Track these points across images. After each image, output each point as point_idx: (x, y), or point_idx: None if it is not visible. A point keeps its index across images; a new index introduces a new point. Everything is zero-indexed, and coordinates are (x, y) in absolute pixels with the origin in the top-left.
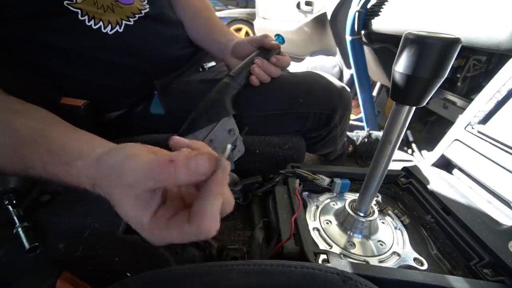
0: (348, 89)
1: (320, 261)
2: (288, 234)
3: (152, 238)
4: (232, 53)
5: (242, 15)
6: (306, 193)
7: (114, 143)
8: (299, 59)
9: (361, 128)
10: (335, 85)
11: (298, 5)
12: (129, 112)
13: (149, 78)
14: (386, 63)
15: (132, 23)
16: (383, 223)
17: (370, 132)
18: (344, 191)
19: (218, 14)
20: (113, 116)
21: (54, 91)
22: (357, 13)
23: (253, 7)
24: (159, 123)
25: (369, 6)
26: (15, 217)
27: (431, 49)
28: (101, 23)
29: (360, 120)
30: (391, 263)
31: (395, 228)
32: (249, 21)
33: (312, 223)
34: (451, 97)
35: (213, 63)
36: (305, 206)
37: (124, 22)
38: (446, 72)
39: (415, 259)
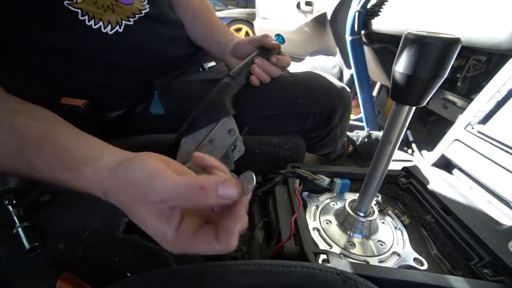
0: (348, 89)
1: (320, 261)
2: (288, 234)
3: (176, 250)
4: (232, 53)
5: (242, 15)
6: (306, 193)
7: (114, 143)
8: (299, 59)
9: (361, 128)
10: (335, 85)
11: (298, 5)
12: (129, 112)
13: (149, 78)
14: (386, 63)
15: (132, 23)
16: (383, 223)
17: (370, 132)
18: (344, 191)
19: (218, 14)
20: (113, 116)
21: (54, 91)
22: (357, 13)
23: (253, 7)
24: (159, 123)
25: (369, 6)
26: (15, 217)
27: (431, 49)
28: (101, 23)
29: (360, 120)
30: (391, 263)
31: (395, 228)
32: (249, 21)
33: (312, 223)
34: (451, 97)
35: (213, 63)
36: (305, 206)
37: (124, 22)
38: (446, 72)
39: (415, 259)
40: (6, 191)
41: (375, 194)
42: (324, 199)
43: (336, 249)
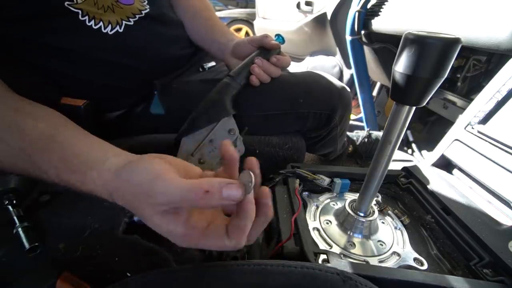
0: (348, 89)
1: (320, 261)
2: (288, 234)
3: (186, 244)
4: (232, 53)
5: (242, 15)
6: (306, 193)
7: (114, 143)
8: (299, 59)
9: (361, 128)
10: (335, 85)
11: (298, 5)
12: (129, 112)
13: (149, 78)
14: (386, 63)
15: (132, 23)
16: (383, 223)
17: (370, 132)
18: (344, 191)
19: (218, 14)
20: (113, 116)
21: (54, 91)
22: (357, 13)
23: (253, 7)
24: (159, 123)
25: (369, 6)
26: (15, 217)
27: (431, 49)
28: (101, 23)
29: (360, 120)
30: (391, 263)
31: (395, 228)
32: (249, 21)
33: (312, 223)
34: (451, 97)
35: (213, 63)
36: (305, 206)
37: (124, 22)
38: (446, 72)
39: (415, 259)
40: (6, 191)
41: (375, 194)
42: (324, 199)
43: (336, 249)
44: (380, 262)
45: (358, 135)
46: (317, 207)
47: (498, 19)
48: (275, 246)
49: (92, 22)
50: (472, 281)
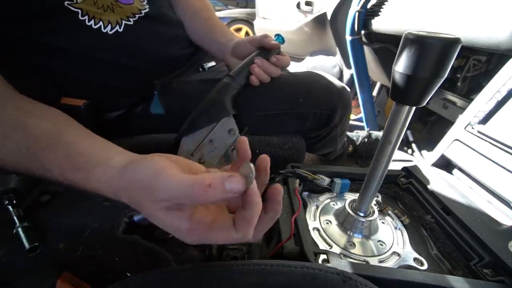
0: (348, 89)
1: (320, 261)
2: (288, 234)
3: (191, 240)
4: (232, 53)
5: (242, 15)
6: (306, 193)
7: (114, 143)
8: (299, 59)
9: (361, 128)
10: (335, 85)
11: (298, 5)
12: (129, 112)
13: (149, 78)
14: (386, 63)
15: (132, 23)
16: (383, 223)
17: (370, 132)
18: (344, 191)
19: (218, 14)
20: (113, 116)
21: (54, 91)
22: (357, 13)
23: (253, 7)
24: (159, 123)
25: (369, 6)
26: (15, 217)
27: (431, 49)
28: (101, 23)
29: (360, 120)
30: (391, 263)
31: (395, 228)
32: (249, 21)
33: (312, 223)
34: (451, 97)
35: (213, 63)
36: (305, 206)
37: (124, 22)
38: (446, 72)
39: (415, 259)
40: (6, 191)
41: (375, 194)
42: (324, 199)
43: (336, 249)
44: (380, 262)
45: (358, 135)
46: (317, 207)
47: (498, 19)
48: (275, 246)
49: (92, 22)
50: (472, 281)
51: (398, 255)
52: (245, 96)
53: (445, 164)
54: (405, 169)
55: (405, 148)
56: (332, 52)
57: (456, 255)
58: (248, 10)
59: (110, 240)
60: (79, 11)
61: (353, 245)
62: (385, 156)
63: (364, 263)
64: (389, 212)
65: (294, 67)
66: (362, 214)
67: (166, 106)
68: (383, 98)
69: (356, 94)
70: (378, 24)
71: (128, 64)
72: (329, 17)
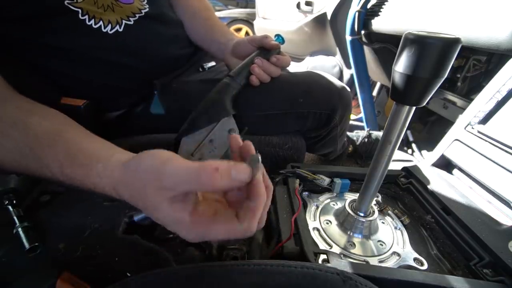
0: (348, 89)
1: (320, 261)
2: (288, 234)
3: (193, 235)
4: (232, 53)
5: (242, 15)
6: (306, 193)
7: (114, 143)
8: (299, 59)
9: (361, 128)
10: (335, 85)
11: (298, 5)
12: (129, 112)
13: (149, 78)
14: (386, 63)
15: (132, 22)
16: (383, 223)
17: (370, 132)
18: (344, 191)
19: (218, 14)
20: (113, 116)
21: (54, 91)
22: (357, 13)
23: (253, 7)
24: (159, 123)
25: (369, 6)
26: (15, 217)
27: (431, 49)
28: (101, 22)
29: (360, 120)
30: (391, 263)
31: (395, 228)
32: (249, 21)
33: (312, 223)
34: (451, 97)
35: (213, 63)
36: (305, 206)
37: (124, 21)
38: (446, 72)
39: (415, 259)
40: (6, 191)
41: (375, 194)
42: (324, 199)
43: (336, 249)
44: (380, 262)
45: (358, 135)
46: (317, 207)
47: (498, 19)
48: (275, 246)
49: (92, 21)
50: (472, 281)
51: (398, 255)
52: (245, 96)
53: (445, 164)
54: (405, 169)
55: (405, 148)
56: (332, 52)
57: (456, 255)
58: (248, 10)
59: (110, 240)
60: (79, 10)
61: (353, 245)
62: (385, 156)
63: (364, 263)
64: (389, 212)
65: (294, 67)
66: (362, 214)
67: (166, 106)
68: (383, 98)
69: (356, 94)
70: (378, 24)
71: (128, 64)
72: (329, 17)
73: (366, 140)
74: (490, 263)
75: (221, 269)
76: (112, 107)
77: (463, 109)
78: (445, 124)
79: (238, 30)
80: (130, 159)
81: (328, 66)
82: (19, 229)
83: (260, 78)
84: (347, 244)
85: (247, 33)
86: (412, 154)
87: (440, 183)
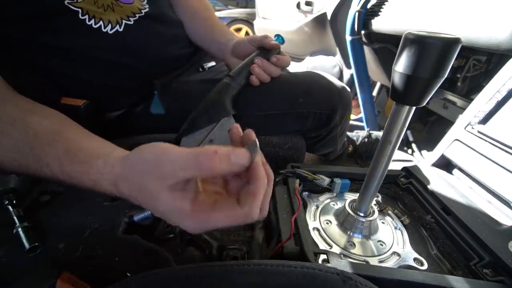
0: (348, 89)
1: (320, 261)
2: (288, 234)
3: (195, 225)
4: (232, 53)
5: (242, 15)
6: (306, 193)
7: (114, 143)
8: (299, 59)
9: (361, 128)
10: (335, 85)
11: (298, 5)
12: (129, 112)
13: (149, 78)
14: (386, 63)
15: (132, 22)
16: (383, 223)
17: (370, 132)
18: (344, 191)
19: (218, 14)
20: (113, 116)
21: (54, 91)
22: (357, 13)
23: (253, 7)
24: (159, 123)
25: (369, 6)
26: (15, 217)
27: (431, 49)
28: (101, 22)
29: (360, 120)
30: (391, 263)
31: (395, 228)
32: (249, 21)
33: (312, 223)
34: (451, 97)
35: (213, 63)
36: (305, 206)
37: (124, 21)
38: (446, 72)
39: (415, 259)
40: (6, 191)
41: (375, 194)
42: (324, 199)
43: (336, 249)
44: (380, 262)
45: (358, 135)
46: (317, 207)
47: (498, 19)
48: (275, 246)
49: (92, 21)
50: (472, 281)
51: (398, 255)
52: (245, 96)
53: (445, 164)
54: (405, 169)
55: (405, 148)
56: (332, 52)
57: (456, 255)
58: (248, 10)
59: (110, 240)
60: (79, 10)
61: (353, 245)
62: (385, 156)
63: (364, 263)
64: (389, 212)
65: (294, 67)
66: (362, 214)
67: (166, 106)
68: (383, 98)
69: (356, 94)
70: (378, 24)
71: (128, 64)
72: (329, 17)
73: (366, 140)
74: (490, 263)
75: (221, 269)
76: (112, 107)
77: (463, 109)
78: (445, 124)
79: (238, 30)
80: (129, 153)
81: (328, 66)
82: (19, 229)
83: (260, 78)
84: (347, 244)
85: (247, 33)
86: (412, 154)
87: (440, 183)
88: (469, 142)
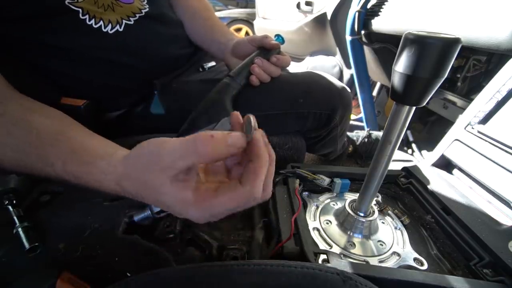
0: (348, 89)
1: (320, 261)
2: (288, 234)
3: (199, 213)
4: (232, 53)
5: (242, 15)
6: (306, 193)
7: (115, 142)
8: (299, 59)
9: (361, 128)
10: (335, 85)
11: (298, 5)
12: (129, 112)
13: (149, 78)
14: (386, 63)
15: (132, 22)
16: (383, 223)
17: (370, 132)
18: (344, 191)
19: (218, 14)
20: (113, 116)
21: (54, 91)
22: (357, 13)
23: (253, 7)
24: (159, 123)
25: (369, 6)
26: (15, 217)
27: (431, 49)
28: (101, 22)
29: (360, 120)
30: (391, 263)
31: (395, 228)
32: (249, 21)
33: (312, 223)
34: (451, 97)
35: (213, 63)
36: (305, 206)
37: (124, 21)
38: (446, 72)
39: (415, 259)
40: (6, 191)
41: (375, 194)
42: (324, 199)
43: (336, 249)
44: (380, 262)
45: (358, 135)
46: (317, 207)
47: (498, 19)
48: (275, 246)
49: (93, 21)
50: (472, 281)
51: (398, 255)
52: (245, 96)
53: (445, 164)
54: (405, 169)
55: (405, 148)
56: (332, 52)
57: (456, 255)
58: (248, 10)
59: (110, 240)
60: (80, 10)
61: (353, 245)
62: (385, 156)
63: (364, 263)
64: (389, 212)
65: (294, 67)
66: (362, 214)
67: (166, 106)
68: (383, 98)
69: (356, 94)
70: (378, 24)
71: (128, 64)
72: (329, 17)
73: (366, 140)
74: (490, 263)
75: (221, 269)
76: (112, 107)
77: (463, 109)
78: (445, 124)
79: (238, 30)
80: (132, 150)
81: (328, 66)
82: (19, 229)
83: (260, 78)
84: (347, 244)
85: (247, 33)
86: (412, 154)
87: (440, 183)
88: (469, 142)
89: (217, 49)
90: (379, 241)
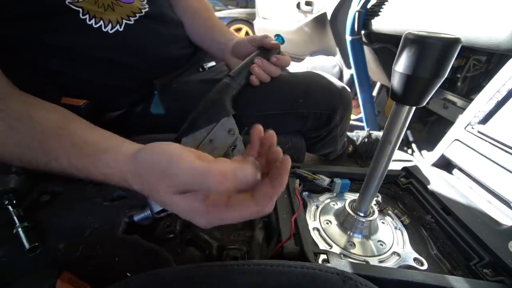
0: (349, 89)
1: (320, 261)
2: (288, 234)
3: (207, 222)
4: (232, 52)
5: (242, 15)
6: (306, 193)
7: None
8: (299, 59)
9: (361, 128)
10: (335, 85)
11: (298, 5)
12: (129, 111)
13: (149, 78)
14: (386, 63)
15: (132, 22)
16: (383, 223)
17: (370, 132)
18: (344, 191)
19: (218, 14)
20: (113, 115)
21: (55, 90)
22: (357, 13)
23: (253, 7)
24: (159, 123)
25: (369, 6)
26: (15, 217)
27: (431, 49)
28: (101, 22)
29: (360, 120)
30: (391, 263)
31: (395, 228)
32: (249, 21)
33: (312, 223)
34: (451, 97)
35: (213, 63)
36: (305, 206)
37: (124, 21)
38: (446, 72)
39: (415, 259)
40: (6, 191)
41: (375, 194)
42: (324, 199)
43: (336, 249)
44: (380, 262)
45: (358, 135)
46: (317, 207)
47: (498, 19)
48: (275, 246)
49: (93, 21)
50: (472, 281)
51: (398, 255)
52: (245, 96)
53: (445, 164)
54: (405, 169)
55: (405, 148)
56: (332, 52)
57: (456, 255)
58: (248, 10)
59: (110, 240)
60: (80, 10)
61: (353, 245)
62: (385, 156)
63: (364, 263)
64: (389, 212)
65: (294, 67)
66: (362, 214)
67: (166, 106)
68: (383, 98)
69: (356, 94)
70: (378, 24)
71: (128, 63)
72: (329, 17)
73: (366, 140)
74: (490, 263)
75: (221, 269)
76: (112, 107)
77: (463, 109)
78: (445, 124)
79: (238, 30)
80: (140, 149)
81: (328, 66)
82: (19, 229)
83: (260, 78)
84: (347, 244)
85: (247, 33)
86: (412, 154)
87: (440, 183)
88: (469, 142)
89: (217, 49)
90: (379, 241)
